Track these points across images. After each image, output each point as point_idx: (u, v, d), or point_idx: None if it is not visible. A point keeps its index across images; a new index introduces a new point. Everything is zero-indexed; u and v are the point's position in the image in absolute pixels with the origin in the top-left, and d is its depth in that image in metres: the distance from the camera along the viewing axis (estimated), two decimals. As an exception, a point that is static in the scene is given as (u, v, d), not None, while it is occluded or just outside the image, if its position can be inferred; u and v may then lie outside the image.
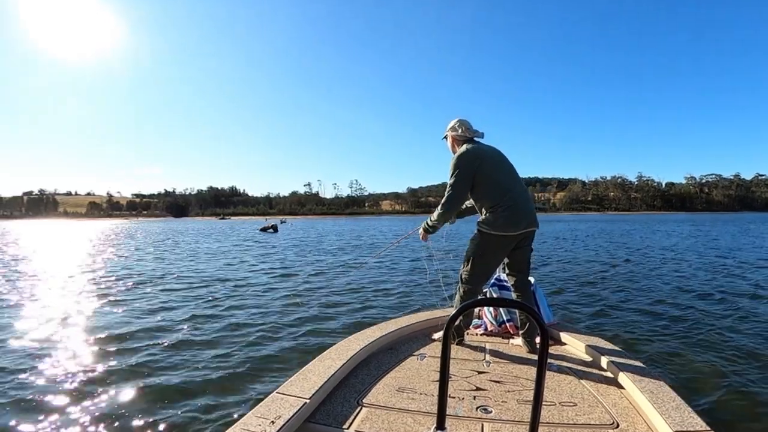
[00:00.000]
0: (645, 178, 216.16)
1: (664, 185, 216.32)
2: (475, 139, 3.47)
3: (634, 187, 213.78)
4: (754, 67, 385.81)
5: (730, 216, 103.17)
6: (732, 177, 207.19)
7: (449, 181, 3.29)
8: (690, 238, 26.60)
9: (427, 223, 3.53)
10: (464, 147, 3.33)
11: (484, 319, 3.86)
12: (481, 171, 3.23)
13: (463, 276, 3.37)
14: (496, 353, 3.32)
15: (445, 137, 3.62)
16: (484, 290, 3.80)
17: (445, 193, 3.32)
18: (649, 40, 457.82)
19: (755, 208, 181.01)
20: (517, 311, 3.59)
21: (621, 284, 10.18)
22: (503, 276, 3.72)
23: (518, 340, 3.46)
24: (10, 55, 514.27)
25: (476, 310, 3.88)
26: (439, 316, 3.92)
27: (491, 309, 3.88)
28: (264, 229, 44.50)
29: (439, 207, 3.37)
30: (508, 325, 3.75)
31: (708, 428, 2.09)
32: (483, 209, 3.29)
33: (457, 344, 3.36)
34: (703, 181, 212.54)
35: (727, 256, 16.08)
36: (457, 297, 3.41)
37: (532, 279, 3.70)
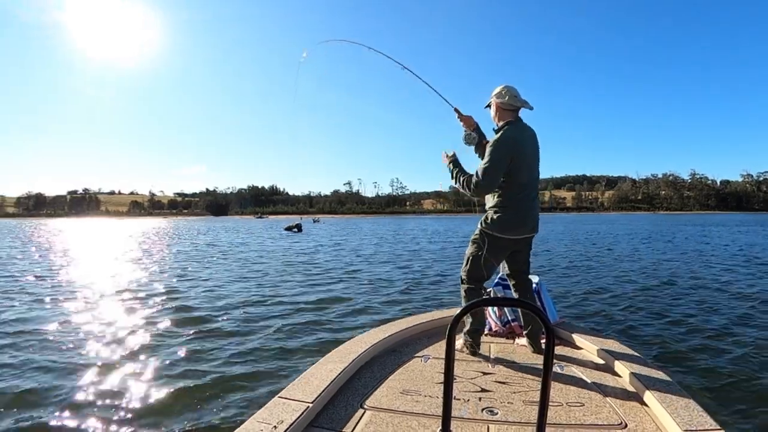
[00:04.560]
0: (699, 176, 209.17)
1: (719, 183, 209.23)
2: (520, 113, 3.36)
3: (686, 185, 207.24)
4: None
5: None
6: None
7: (483, 163, 3.19)
8: None
9: (452, 164, 3.43)
10: (508, 132, 3.23)
11: (489, 319, 3.88)
12: (513, 162, 3.18)
13: (463, 276, 3.41)
14: (501, 354, 3.38)
15: (489, 105, 3.44)
16: (488, 290, 3.84)
17: (478, 172, 3.19)
18: (703, 33, 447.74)
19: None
20: (521, 310, 3.66)
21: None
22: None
23: (523, 340, 3.50)
24: (55, 60, 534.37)
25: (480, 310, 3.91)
26: (442, 316, 3.98)
27: (496, 309, 3.91)
28: (288, 228, 44.93)
29: (471, 185, 3.22)
30: (513, 324, 3.78)
31: (718, 427, 2.09)
32: (493, 201, 3.29)
33: (470, 353, 3.32)
34: (761, 179, 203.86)
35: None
36: (462, 298, 3.45)
37: (536, 278, 3.79)
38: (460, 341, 3.32)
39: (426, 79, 3.88)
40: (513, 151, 3.17)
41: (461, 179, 3.32)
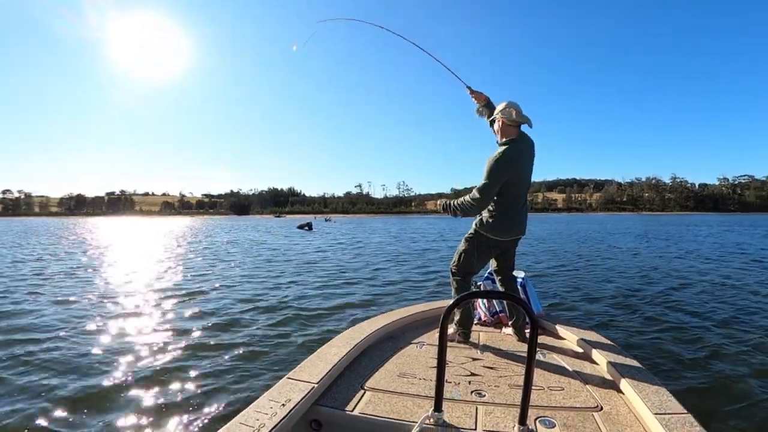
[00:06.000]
0: (679, 180, 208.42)
1: (697, 186, 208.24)
2: (522, 128, 3.29)
3: (668, 188, 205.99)
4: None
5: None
6: (765, 178, 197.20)
7: (483, 180, 3.13)
8: None
9: (450, 204, 3.37)
10: (508, 151, 3.15)
11: (479, 309, 3.89)
12: (514, 179, 3.19)
13: (454, 269, 3.41)
14: (489, 342, 3.38)
15: (493, 121, 3.39)
16: (479, 284, 3.88)
17: (477, 192, 3.15)
18: (684, 45, 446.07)
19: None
20: (507, 303, 3.66)
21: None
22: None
23: (509, 330, 3.51)
24: (95, 73, 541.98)
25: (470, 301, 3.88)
26: (435, 307, 3.99)
27: (485, 301, 3.91)
28: (300, 227, 44.94)
29: (469, 201, 3.19)
30: (500, 315, 3.79)
31: (684, 411, 2.10)
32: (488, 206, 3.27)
33: (462, 341, 3.31)
34: (736, 182, 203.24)
35: None
36: (453, 290, 3.45)
37: (522, 273, 3.83)
38: (452, 330, 3.32)
39: (431, 59, 3.94)
40: (510, 170, 3.15)
41: (459, 207, 3.29)
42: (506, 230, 3.26)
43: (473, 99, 3.59)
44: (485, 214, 3.28)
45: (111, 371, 4.46)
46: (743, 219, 76.45)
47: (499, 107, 3.32)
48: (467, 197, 3.24)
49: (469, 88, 3.59)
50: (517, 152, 3.18)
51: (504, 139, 3.26)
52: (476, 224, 3.35)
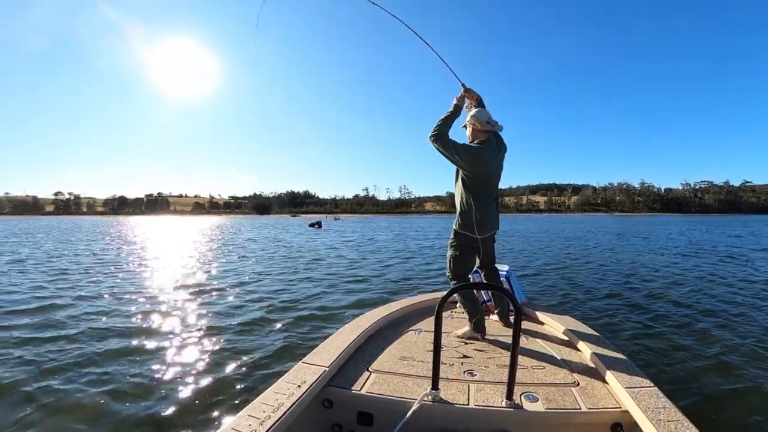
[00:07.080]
0: (647, 184, 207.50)
1: (663, 190, 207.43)
2: (494, 131, 3.20)
3: (637, 192, 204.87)
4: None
5: (731, 218, 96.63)
6: (722, 183, 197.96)
7: (455, 142, 3.13)
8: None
9: (455, 109, 3.30)
10: (483, 152, 3.11)
11: None
12: (477, 173, 3.13)
13: (449, 276, 3.37)
14: None
15: (465, 126, 3.29)
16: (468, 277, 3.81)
17: (445, 140, 3.13)
18: (654, 67, 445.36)
19: (742, 211, 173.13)
20: (492, 292, 3.67)
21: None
22: None
23: (496, 317, 3.53)
24: (139, 93, 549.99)
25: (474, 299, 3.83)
26: (432, 298, 4.00)
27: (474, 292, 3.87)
28: (311, 225, 44.67)
29: (436, 132, 3.15)
30: (488, 304, 3.79)
31: (651, 384, 2.11)
32: (461, 208, 3.22)
33: (482, 339, 3.13)
34: (697, 187, 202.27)
35: None
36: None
37: (506, 267, 3.84)
38: (466, 328, 3.18)
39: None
40: (473, 163, 3.09)
41: (443, 122, 3.20)
42: (480, 228, 3.17)
43: (466, 97, 3.38)
44: (462, 214, 3.21)
45: (138, 358, 4.42)
46: (704, 220, 76.02)
47: (469, 114, 3.23)
48: (440, 133, 3.16)
49: (463, 85, 3.39)
50: (487, 155, 3.12)
51: (476, 142, 3.21)
52: (454, 226, 3.29)
